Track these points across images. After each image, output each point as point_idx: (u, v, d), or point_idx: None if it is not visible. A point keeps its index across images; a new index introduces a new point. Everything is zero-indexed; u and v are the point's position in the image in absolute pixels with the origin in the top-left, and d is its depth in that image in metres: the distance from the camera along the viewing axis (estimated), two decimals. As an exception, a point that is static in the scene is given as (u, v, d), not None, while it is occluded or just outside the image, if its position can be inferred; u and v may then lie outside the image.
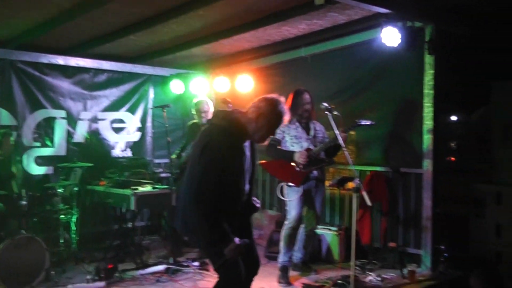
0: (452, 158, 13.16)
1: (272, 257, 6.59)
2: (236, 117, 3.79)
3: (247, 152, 3.82)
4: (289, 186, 5.84)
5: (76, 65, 7.46)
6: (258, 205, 4.10)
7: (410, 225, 6.71)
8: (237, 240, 3.61)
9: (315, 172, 5.89)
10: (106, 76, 7.86)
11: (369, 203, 5.24)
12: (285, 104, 3.85)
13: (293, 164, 5.77)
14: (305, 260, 6.27)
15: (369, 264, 6.51)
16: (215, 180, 3.57)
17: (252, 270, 4.03)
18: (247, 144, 3.83)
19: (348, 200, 7.11)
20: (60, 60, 7.29)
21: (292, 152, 5.79)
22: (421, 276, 6.08)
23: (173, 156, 7.03)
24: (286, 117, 3.83)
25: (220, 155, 3.61)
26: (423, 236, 6.35)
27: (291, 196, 5.85)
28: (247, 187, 3.86)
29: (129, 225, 7.06)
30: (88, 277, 5.81)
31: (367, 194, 5.25)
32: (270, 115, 3.74)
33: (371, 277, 5.92)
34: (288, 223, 5.88)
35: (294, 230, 5.90)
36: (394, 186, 6.81)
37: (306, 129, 5.96)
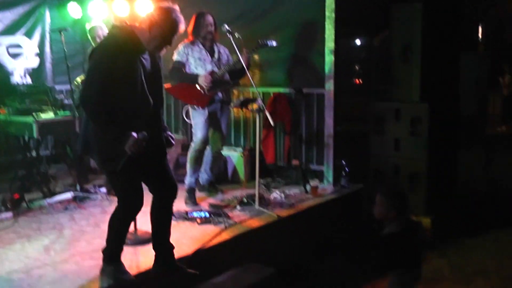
0: (357, 80, 13.66)
1: (179, 180, 6.62)
2: (128, 27, 3.78)
3: (147, 65, 3.79)
4: (195, 109, 5.85)
5: (-37, -14, 6.99)
6: (173, 141, 4.16)
7: (313, 143, 6.98)
8: (134, 134, 3.59)
9: (220, 94, 5.92)
10: (-3, -3, 7.42)
11: (272, 123, 5.38)
12: (179, 12, 3.81)
13: (197, 87, 5.77)
14: (212, 181, 6.39)
15: (273, 182, 6.75)
16: (100, 81, 3.55)
17: (171, 194, 4.15)
18: (146, 56, 3.81)
19: (252, 121, 7.24)
20: None
21: (196, 75, 5.77)
22: (323, 190, 6.38)
23: (78, 80, 6.82)
24: (182, 27, 3.80)
25: (105, 57, 3.59)
26: (325, 153, 6.62)
27: (197, 119, 5.87)
28: (150, 100, 3.79)
29: (34, 154, 6.90)
30: (-6, 208, 5.69)
31: (270, 114, 5.38)
32: (164, 24, 3.71)
33: (275, 194, 6.14)
34: (194, 146, 5.94)
35: (200, 152, 5.97)
36: (296, 106, 6.98)
37: (210, 52, 5.92)
